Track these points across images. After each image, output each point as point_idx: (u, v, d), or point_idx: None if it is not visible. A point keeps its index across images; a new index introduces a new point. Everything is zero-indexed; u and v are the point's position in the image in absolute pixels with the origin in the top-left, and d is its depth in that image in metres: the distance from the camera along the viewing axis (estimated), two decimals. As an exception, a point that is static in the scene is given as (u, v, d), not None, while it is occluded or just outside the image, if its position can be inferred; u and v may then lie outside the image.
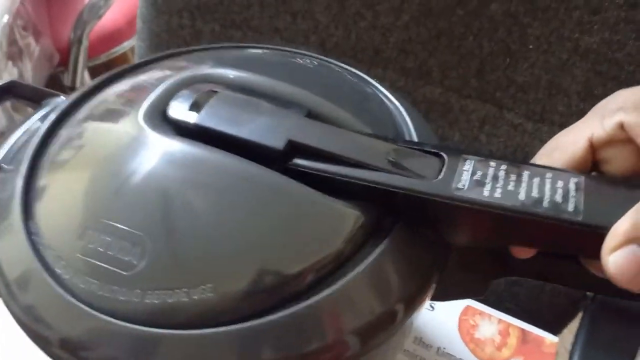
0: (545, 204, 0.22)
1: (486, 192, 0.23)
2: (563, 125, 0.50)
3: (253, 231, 0.24)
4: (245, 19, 0.55)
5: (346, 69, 0.35)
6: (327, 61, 0.36)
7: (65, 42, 1.03)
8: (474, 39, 0.47)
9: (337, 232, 0.24)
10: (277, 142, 0.25)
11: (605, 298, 0.50)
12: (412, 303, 0.26)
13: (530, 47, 0.46)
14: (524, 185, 0.23)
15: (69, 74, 1.01)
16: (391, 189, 0.24)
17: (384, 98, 0.33)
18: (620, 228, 0.20)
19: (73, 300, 0.23)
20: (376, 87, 0.34)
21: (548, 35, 0.45)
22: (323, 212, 0.25)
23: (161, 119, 0.28)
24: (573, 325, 0.55)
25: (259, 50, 0.36)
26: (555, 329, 0.55)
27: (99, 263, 0.24)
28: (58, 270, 0.24)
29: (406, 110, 0.32)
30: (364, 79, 0.35)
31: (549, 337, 0.44)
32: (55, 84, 1.04)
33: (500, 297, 0.55)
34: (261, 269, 0.23)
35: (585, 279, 0.26)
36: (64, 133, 0.29)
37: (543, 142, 0.49)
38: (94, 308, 0.23)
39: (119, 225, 0.24)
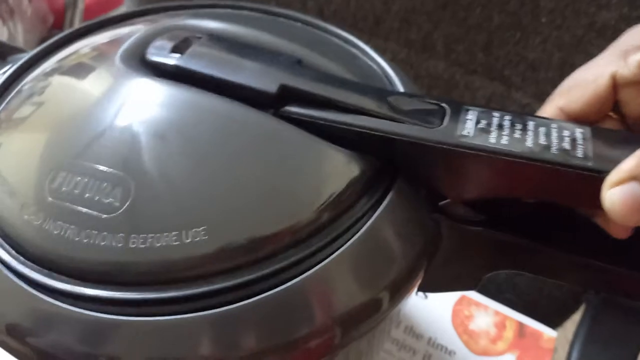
0: (554, 150, 0.21)
1: (492, 139, 0.21)
2: (574, 107, 0.47)
3: (246, 175, 0.22)
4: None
5: (335, 31, 0.33)
6: (311, 22, 0.33)
7: (61, 4, 0.99)
8: (482, 11, 0.44)
9: (335, 179, 0.23)
10: (269, 85, 0.23)
11: (608, 291, 0.48)
12: (400, 288, 0.24)
13: (543, 20, 0.42)
14: (530, 133, 0.22)
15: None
16: (394, 137, 0.22)
17: (370, 61, 0.31)
18: (624, 165, 0.20)
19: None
20: (364, 50, 0.32)
21: (562, 9, 0.41)
22: (320, 158, 0.23)
23: (139, 62, 0.25)
24: (576, 317, 0.53)
25: (240, 11, 0.34)
26: (555, 322, 0.53)
27: (74, 206, 0.21)
28: (26, 217, 0.22)
29: (394, 71, 0.29)
30: (353, 42, 0.32)
31: (547, 332, 0.42)
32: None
33: (500, 287, 0.53)
34: (254, 215, 0.21)
35: (585, 274, 0.24)
36: (28, 82, 0.27)
37: (551, 124, 0.46)
38: (64, 266, 0.21)
39: (97, 166, 0.22)
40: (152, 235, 0.20)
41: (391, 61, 0.31)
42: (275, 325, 0.21)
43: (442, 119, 0.22)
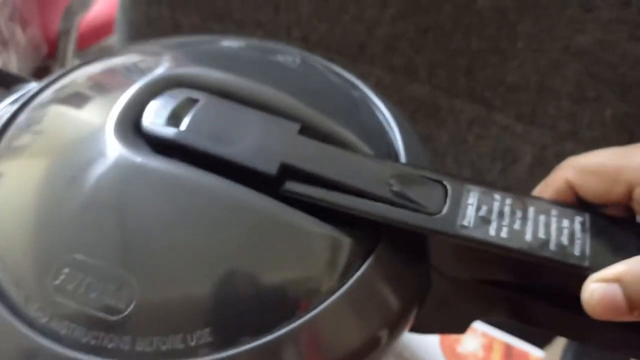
0: (552, 246, 0.21)
1: (492, 231, 0.22)
2: (554, 128, 0.48)
3: (248, 265, 0.22)
4: (226, 11, 0.53)
5: (330, 69, 0.33)
6: (310, 59, 0.33)
7: (54, 33, 1.01)
8: (462, 36, 0.45)
9: (328, 261, 0.22)
10: (269, 166, 0.23)
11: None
12: (394, 329, 0.24)
13: (520, 45, 0.43)
14: (529, 224, 0.22)
15: (58, 65, 0.99)
16: (394, 224, 0.22)
17: (372, 105, 0.31)
18: (613, 267, 0.20)
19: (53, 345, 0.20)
20: (362, 91, 0.32)
21: (539, 33, 0.42)
22: (317, 242, 0.22)
23: (134, 132, 0.24)
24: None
25: (236, 44, 0.34)
26: (543, 342, 0.53)
27: (80, 307, 0.21)
28: (31, 314, 0.21)
29: (394, 118, 0.30)
30: (350, 80, 0.32)
31: (534, 353, 0.42)
32: (45, 75, 1.02)
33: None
34: (254, 304, 0.21)
35: (572, 326, 0.25)
36: (17, 138, 0.26)
37: (534, 145, 0.47)
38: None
39: (100, 263, 0.21)
40: (158, 338, 0.20)
41: (376, 86, 0.32)
42: None
43: (443, 201, 0.22)
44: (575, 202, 0.24)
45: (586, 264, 0.21)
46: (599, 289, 0.20)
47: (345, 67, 0.33)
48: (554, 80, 0.43)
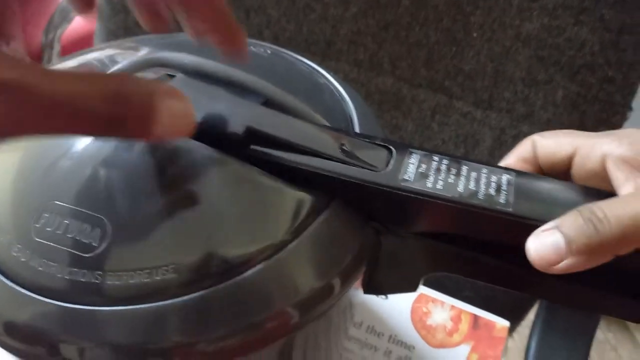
0: (480, 196, 0.24)
1: (429, 183, 0.24)
2: (510, 112, 0.51)
3: (213, 214, 0.24)
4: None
5: (298, 59, 0.36)
6: (280, 51, 0.36)
7: (38, 46, 1.03)
8: (420, 29, 0.47)
9: (286, 214, 0.25)
10: (236, 128, 0.26)
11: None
12: (346, 278, 0.26)
13: (475, 35, 0.46)
14: (462, 179, 0.25)
15: (42, 78, 1.01)
16: (342, 178, 0.25)
17: (334, 89, 0.34)
18: (553, 222, 0.22)
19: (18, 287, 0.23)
20: (326, 77, 0.35)
21: (490, 23, 0.45)
22: (278, 198, 0.25)
23: None
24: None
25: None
26: (514, 317, 0.55)
27: (57, 246, 0.23)
28: (14, 254, 0.24)
29: (353, 101, 0.33)
30: (315, 69, 0.35)
31: (499, 322, 0.45)
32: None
33: (459, 285, 0.55)
34: (215, 248, 0.24)
35: (513, 279, 0.27)
36: None
37: (493, 129, 0.50)
38: (49, 290, 0.23)
39: (77, 208, 0.24)
40: (126, 273, 0.23)
41: (344, 80, 0.35)
42: (238, 310, 0.24)
43: (388, 161, 0.25)
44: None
45: (510, 209, 0.23)
46: (540, 239, 0.22)
47: (313, 62, 0.35)
48: (508, 66, 0.46)
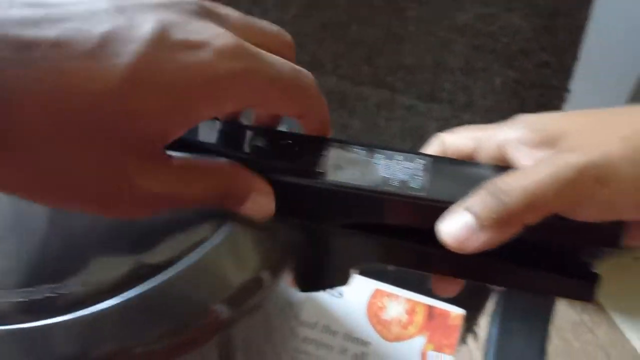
0: (394, 183, 0.24)
1: (343, 175, 0.24)
2: (452, 102, 0.51)
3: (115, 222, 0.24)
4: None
5: None
6: None
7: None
8: (358, 27, 0.48)
9: (204, 212, 0.25)
10: None
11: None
12: (275, 271, 0.26)
13: (412, 29, 0.46)
14: (376, 168, 0.25)
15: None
16: (259, 171, 0.24)
17: None
18: (461, 202, 0.22)
19: None
20: None
21: (425, 16, 0.45)
22: None
23: None
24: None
25: None
26: (474, 306, 0.56)
27: None
28: None
29: None
30: None
31: (454, 311, 0.45)
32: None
33: (421, 279, 0.56)
34: (133, 252, 0.24)
35: (451, 264, 0.27)
36: None
37: (437, 120, 0.50)
38: None
39: None
40: (29, 289, 0.23)
41: None
42: (164, 312, 0.23)
43: (302, 155, 0.25)
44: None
45: (424, 194, 0.23)
46: (451, 222, 0.22)
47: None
48: (446, 58, 0.46)
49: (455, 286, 0.26)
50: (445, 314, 0.44)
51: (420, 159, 0.25)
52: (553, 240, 0.25)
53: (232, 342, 0.33)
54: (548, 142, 0.23)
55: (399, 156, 0.25)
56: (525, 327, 0.50)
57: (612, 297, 1.25)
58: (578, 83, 0.45)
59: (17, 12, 0.17)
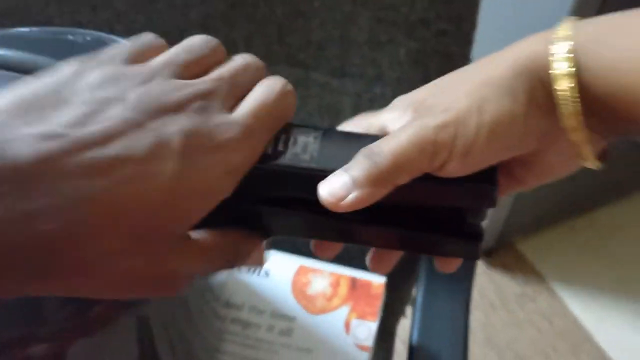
0: (287, 156, 0.25)
1: None
2: (363, 76, 0.52)
3: None
4: (46, 18, 0.54)
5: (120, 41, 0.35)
6: (103, 37, 0.35)
7: None
8: (265, 5, 0.48)
9: None
10: None
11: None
12: None
13: (317, 4, 0.47)
14: (271, 141, 0.25)
15: None
16: None
17: None
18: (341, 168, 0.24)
19: None
20: None
21: (329, -10, 0.46)
22: None
23: None
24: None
25: (28, 30, 0.35)
26: (405, 273, 0.57)
27: None
28: None
29: None
30: None
31: (376, 280, 0.46)
32: None
33: (350, 254, 0.56)
34: None
35: (345, 232, 0.27)
36: None
37: (350, 95, 0.51)
38: None
39: None
40: None
41: None
42: None
43: None
44: None
45: (314, 165, 0.24)
46: (331, 179, 0.24)
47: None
48: (352, 32, 0.47)
49: (388, 263, 0.29)
50: (367, 284, 0.45)
51: (314, 132, 0.26)
52: (435, 202, 0.26)
53: (150, 327, 0.32)
54: (412, 110, 0.25)
55: (295, 130, 0.26)
56: (449, 287, 0.52)
57: (551, 267, 1.30)
58: (479, 51, 0.46)
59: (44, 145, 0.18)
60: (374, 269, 0.30)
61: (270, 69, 0.53)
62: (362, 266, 0.49)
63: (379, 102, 0.48)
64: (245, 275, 0.46)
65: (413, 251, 0.29)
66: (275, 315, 0.44)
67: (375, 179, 0.23)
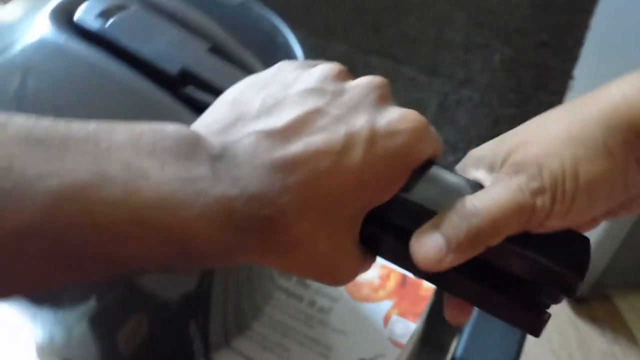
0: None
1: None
2: (452, 77, 0.51)
3: None
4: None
5: (265, 16, 0.37)
6: (250, 3, 0.36)
7: None
8: (367, -5, 0.49)
9: None
10: (172, 67, 0.27)
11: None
12: None
13: (416, 0, 0.47)
14: None
15: None
16: None
17: (290, 50, 0.35)
18: (432, 222, 0.23)
19: None
20: (287, 38, 0.36)
21: (431, -13, 0.46)
22: None
23: (67, 21, 0.28)
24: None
25: None
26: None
27: None
28: None
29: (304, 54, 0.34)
30: (279, 28, 0.36)
31: (427, 283, 0.45)
32: None
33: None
34: None
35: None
36: None
37: (437, 94, 0.50)
38: None
39: None
40: None
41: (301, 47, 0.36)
42: None
43: None
44: None
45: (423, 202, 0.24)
46: (423, 239, 0.23)
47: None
48: (447, 31, 0.47)
49: (466, 314, 0.28)
50: (417, 284, 0.44)
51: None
52: (518, 270, 0.25)
53: (214, 272, 0.34)
54: (501, 162, 0.24)
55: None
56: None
57: (645, 331, 1.18)
58: (582, 69, 0.44)
59: (263, 141, 0.21)
60: (451, 319, 0.28)
61: (363, 59, 0.54)
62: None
63: (465, 105, 0.47)
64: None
65: (477, 305, 0.27)
66: (320, 292, 0.45)
67: (471, 242, 0.22)
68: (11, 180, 0.16)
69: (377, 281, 0.45)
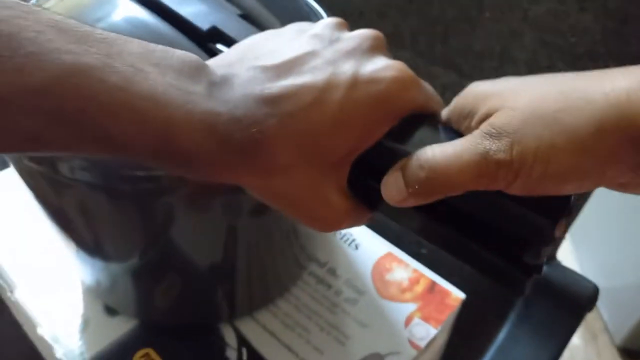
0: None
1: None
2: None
3: None
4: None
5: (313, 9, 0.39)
6: None
7: None
8: (439, 5, 0.50)
9: None
10: (203, 24, 0.30)
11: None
12: None
13: (487, 15, 0.47)
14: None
15: None
16: None
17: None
18: (399, 162, 0.24)
19: None
20: (318, 16, 0.39)
21: (502, 4, 0.46)
22: None
23: None
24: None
25: None
26: (464, 286, 0.54)
27: None
28: None
29: None
30: (312, 6, 0.39)
31: (455, 292, 0.45)
32: None
33: (441, 262, 0.56)
34: None
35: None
36: None
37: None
38: None
39: None
40: None
41: None
42: None
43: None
44: None
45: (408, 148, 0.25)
46: (389, 178, 0.24)
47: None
48: (513, 49, 0.47)
49: None
50: (445, 292, 0.45)
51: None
52: (494, 217, 0.25)
53: (237, 246, 0.36)
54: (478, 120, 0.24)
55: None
56: (533, 338, 0.48)
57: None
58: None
59: (259, 75, 0.23)
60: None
61: (426, 68, 0.55)
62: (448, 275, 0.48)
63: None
64: (338, 241, 0.49)
65: (463, 260, 0.28)
66: (349, 284, 0.46)
67: (425, 190, 0.23)
68: (34, 47, 0.19)
69: (406, 283, 0.46)
